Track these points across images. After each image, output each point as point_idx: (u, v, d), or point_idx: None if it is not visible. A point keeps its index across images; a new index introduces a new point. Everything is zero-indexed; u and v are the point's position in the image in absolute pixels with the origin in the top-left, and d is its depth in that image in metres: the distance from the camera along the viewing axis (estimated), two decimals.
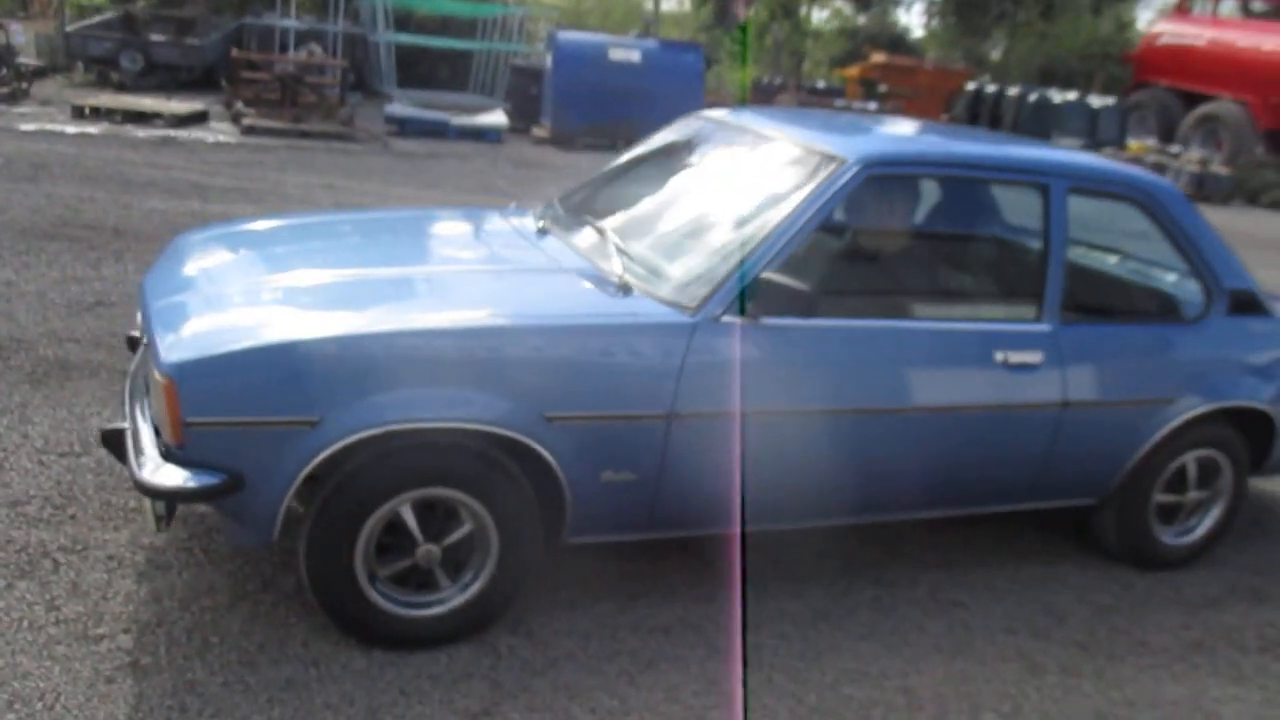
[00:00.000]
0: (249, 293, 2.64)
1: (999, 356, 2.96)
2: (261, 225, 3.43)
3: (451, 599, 2.63)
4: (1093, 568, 3.53)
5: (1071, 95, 17.16)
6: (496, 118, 13.56)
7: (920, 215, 3.13)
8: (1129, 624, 3.22)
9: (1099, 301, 3.20)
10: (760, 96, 16.80)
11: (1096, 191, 3.19)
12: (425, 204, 8.54)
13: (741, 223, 2.85)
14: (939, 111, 17.92)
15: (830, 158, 2.87)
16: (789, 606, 3.05)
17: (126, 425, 2.57)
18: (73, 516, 3.09)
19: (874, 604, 3.12)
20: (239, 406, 2.31)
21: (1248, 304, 3.37)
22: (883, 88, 16.96)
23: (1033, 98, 16.94)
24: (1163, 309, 3.35)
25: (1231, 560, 3.70)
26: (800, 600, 3.09)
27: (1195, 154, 16.11)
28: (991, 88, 17.67)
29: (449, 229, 3.49)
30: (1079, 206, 3.14)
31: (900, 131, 3.36)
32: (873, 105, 15.85)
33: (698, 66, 13.81)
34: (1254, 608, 3.42)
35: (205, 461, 2.33)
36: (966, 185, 3.16)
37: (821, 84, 17.28)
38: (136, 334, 3.27)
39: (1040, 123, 16.79)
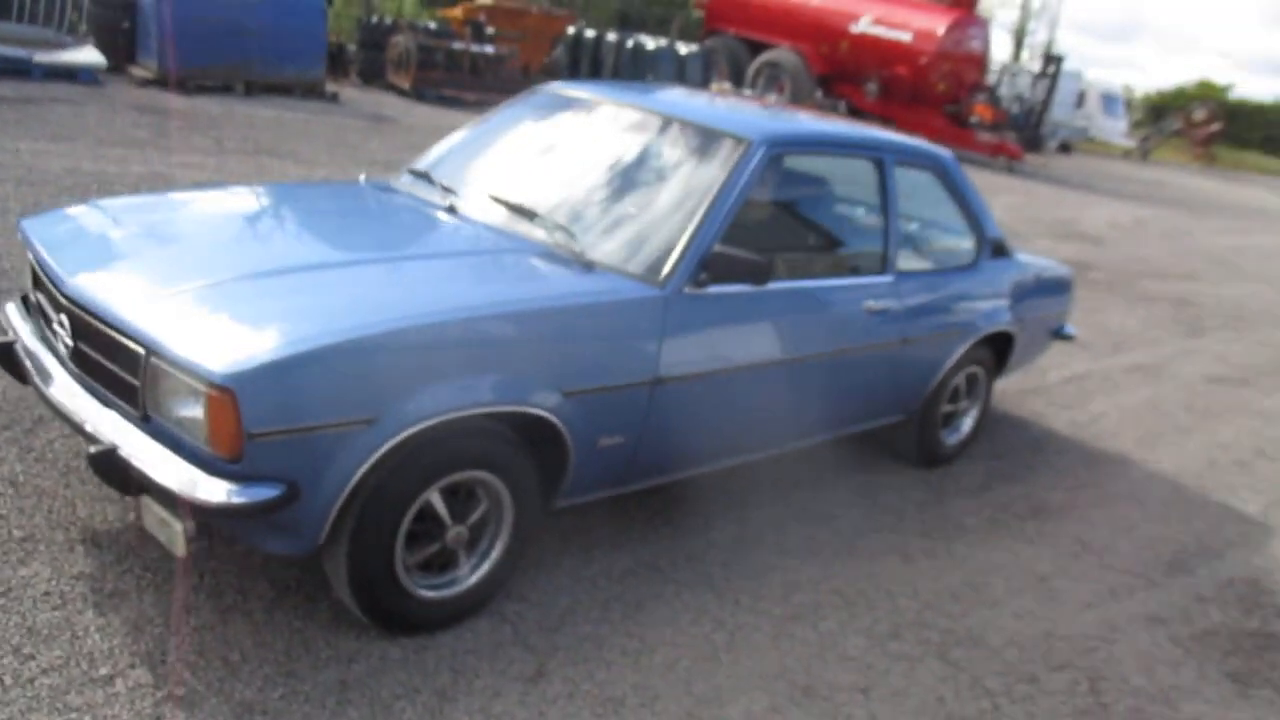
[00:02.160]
0: (248, 290, 2.47)
1: (867, 305, 3.53)
2: (140, 204, 3.13)
3: (469, 576, 2.71)
4: (896, 471, 4.28)
5: (663, 42, 18.50)
6: (89, 55, 11.99)
7: (803, 187, 3.58)
8: (944, 511, 4.00)
9: (917, 254, 3.88)
10: (369, 36, 16.30)
11: (910, 163, 3.85)
12: (66, 159, 7.55)
13: (673, 200, 3.13)
14: (544, 55, 18.51)
15: (738, 140, 3.22)
16: (714, 538, 3.44)
17: (112, 444, 2.33)
18: None
19: (773, 525, 3.60)
20: (301, 412, 2.23)
21: (1000, 249, 4.24)
22: (490, 30, 17.15)
23: (629, 44, 18.04)
24: (953, 257, 4.11)
25: (978, 452, 4.65)
26: (716, 532, 3.49)
27: (770, 97, 18.17)
28: (591, 33, 18.55)
29: (359, 211, 3.35)
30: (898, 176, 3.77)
31: (770, 113, 3.78)
32: (490, 49, 16.02)
33: (319, 4, 13.14)
34: (1011, 485, 4.37)
35: (259, 473, 2.23)
36: (832, 160, 3.66)
37: (433, 25, 17.06)
38: (7, 339, 2.87)
39: (637, 67, 17.97)
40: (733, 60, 21.35)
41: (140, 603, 2.62)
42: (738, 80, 20.87)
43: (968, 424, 4.44)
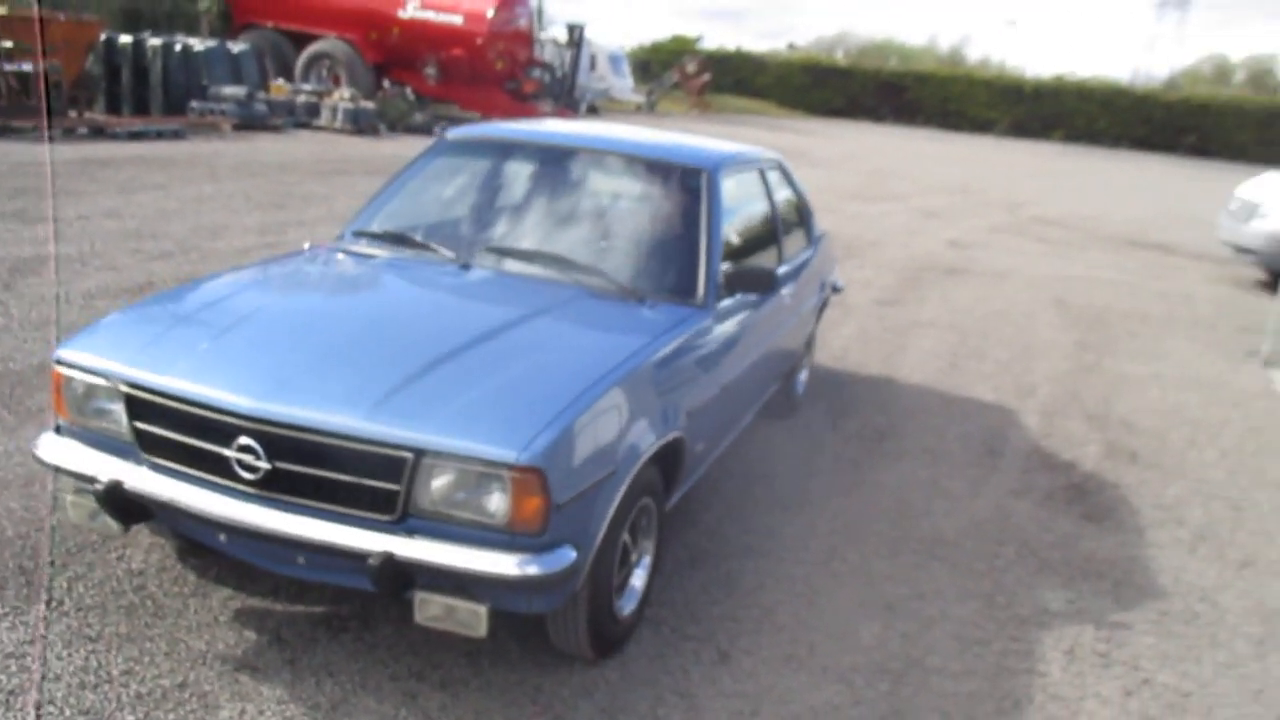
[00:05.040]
0: (445, 377, 2.57)
1: (787, 290, 4.21)
2: (173, 301, 3.02)
3: (636, 590, 3.04)
4: (769, 423, 5.01)
5: (212, 42, 17.41)
6: None
7: (732, 201, 4.09)
8: (832, 452, 4.83)
9: (789, 242, 4.60)
10: None
11: (771, 169, 4.57)
12: None
13: (669, 228, 3.58)
14: (78, 67, 16.55)
15: (697, 170, 3.72)
16: (718, 514, 3.96)
17: (386, 551, 2.37)
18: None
19: (742, 492, 4.19)
20: (580, 477, 2.46)
21: (814, 225, 5.13)
22: (8, 44, 15.01)
23: (178, 47, 16.76)
24: (805, 239, 4.89)
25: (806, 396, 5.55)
26: (717, 508, 4.01)
27: (338, 93, 17.88)
28: (126, 38, 16.89)
29: (395, 282, 3.35)
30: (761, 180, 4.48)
31: (694, 142, 4.27)
32: (27, 67, 14.06)
33: None
34: (847, 419, 5.31)
35: (555, 541, 2.43)
36: (744, 176, 4.22)
37: None
38: (111, 480, 2.62)
39: (189, 70, 16.82)
40: (277, 55, 20.52)
41: (362, 701, 2.64)
42: (287, 75, 20.13)
43: (805, 375, 5.32)
